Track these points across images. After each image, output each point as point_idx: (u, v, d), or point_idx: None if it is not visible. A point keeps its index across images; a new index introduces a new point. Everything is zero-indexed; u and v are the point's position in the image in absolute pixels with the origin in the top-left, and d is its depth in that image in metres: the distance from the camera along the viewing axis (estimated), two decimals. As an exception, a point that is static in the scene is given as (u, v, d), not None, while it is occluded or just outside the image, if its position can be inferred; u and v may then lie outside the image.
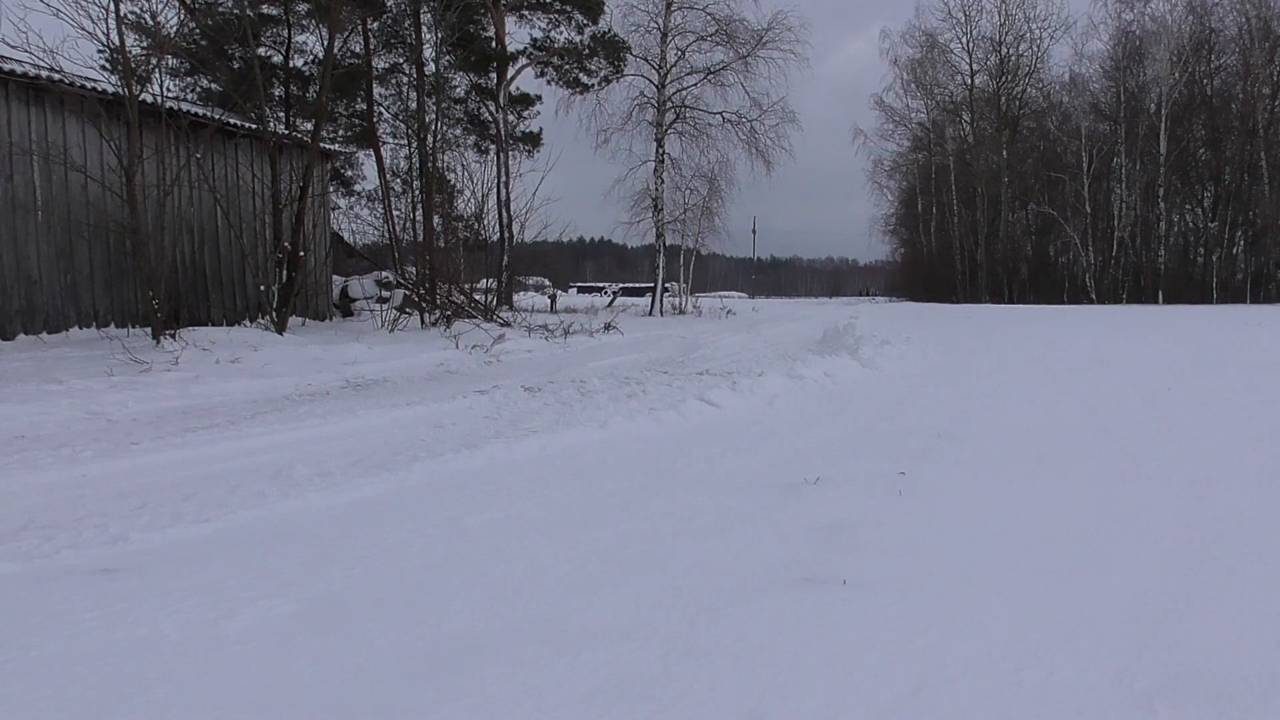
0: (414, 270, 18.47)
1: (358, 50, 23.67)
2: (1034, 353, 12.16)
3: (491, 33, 27.80)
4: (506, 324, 16.39)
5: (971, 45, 50.41)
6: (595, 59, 28.48)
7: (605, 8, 27.99)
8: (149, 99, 12.32)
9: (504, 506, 4.21)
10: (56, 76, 11.32)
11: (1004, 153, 48.11)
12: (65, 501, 4.30)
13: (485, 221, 19.94)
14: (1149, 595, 2.97)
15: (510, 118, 28.38)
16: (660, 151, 28.64)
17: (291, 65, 23.75)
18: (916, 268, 58.33)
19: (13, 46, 10.60)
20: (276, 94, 23.01)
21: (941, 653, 2.51)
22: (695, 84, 28.78)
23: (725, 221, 31.47)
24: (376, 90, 25.70)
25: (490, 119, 28.50)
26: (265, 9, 23.37)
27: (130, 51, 11.95)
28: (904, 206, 58.53)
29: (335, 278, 20.05)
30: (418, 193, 20.18)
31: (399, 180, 25.02)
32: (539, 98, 29.79)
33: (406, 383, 9.02)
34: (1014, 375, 9.46)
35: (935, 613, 2.80)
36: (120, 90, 11.59)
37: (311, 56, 24.55)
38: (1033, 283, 47.65)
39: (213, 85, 21.89)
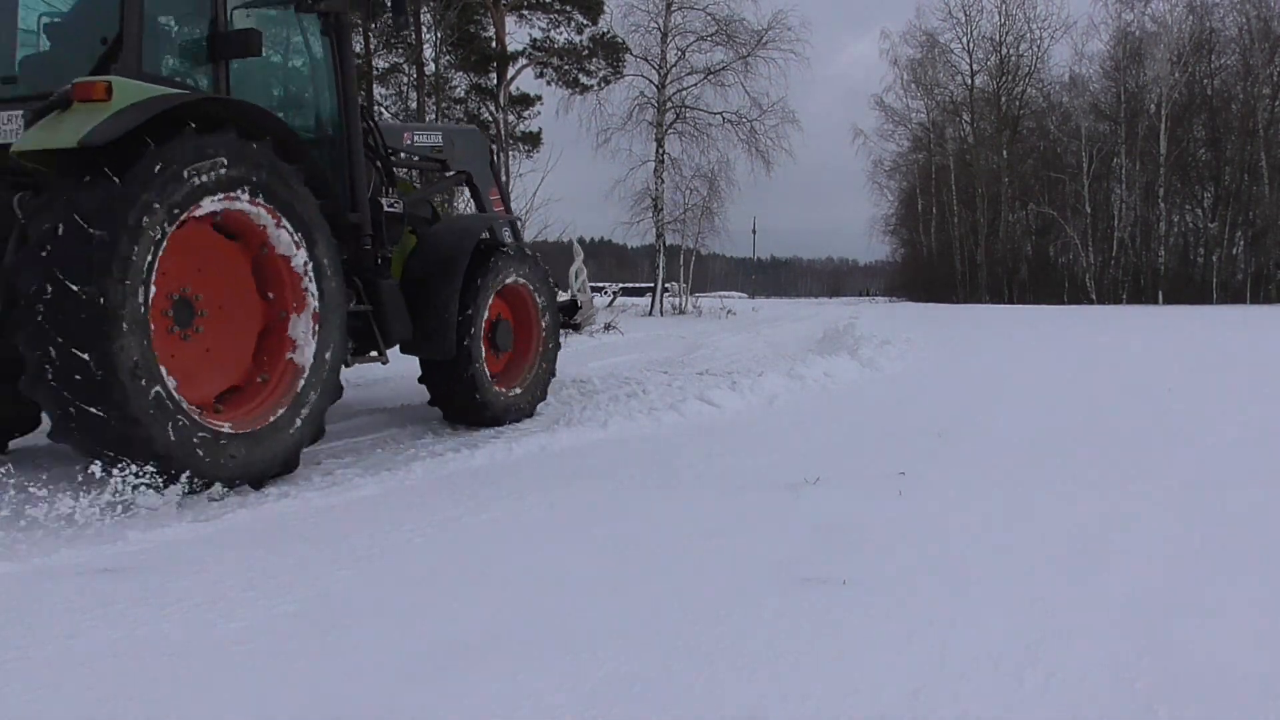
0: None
1: (358, 50, 23.68)
2: (1034, 353, 12.17)
3: (491, 33, 27.80)
4: (506, 324, 16.33)
5: (971, 45, 50.45)
6: (595, 59, 28.47)
7: (605, 8, 27.98)
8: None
9: (504, 506, 4.21)
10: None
11: (1004, 153, 48.11)
12: (65, 501, 4.29)
13: (485, 221, 19.91)
14: (1149, 595, 2.97)
15: (510, 118, 28.36)
16: (660, 151, 28.61)
17: (291, 65, 23.74)
18: (916, 268, 58.32)
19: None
20: (276, 94, 22.99)
21: (941, 653, 2.51)
22: (695, 84, 28.77)
23: (725, 221, 31.41)
24: (376, 90, 25.70)
25: (490, 119, 28.49)
26: (265, 9, 23.34)
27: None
28: (904, 207, 58.52)
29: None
30: (418, 193, 20.15)
31: (399, 180, 24.97)
32: (539, 98, 29.75)
33: (406, 382, 9.01)
34: (1014, 375, 9.47)
35: (935, 613, 2.80)
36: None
37: (311, 56, 24.53)
38: (1033, 283, 47.64)
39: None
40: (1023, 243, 49.84)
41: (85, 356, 3.84)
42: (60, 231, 3.88)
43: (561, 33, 28.64)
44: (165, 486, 4.07)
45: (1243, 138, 40.35)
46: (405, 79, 25.79)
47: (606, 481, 4.70)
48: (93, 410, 3.90)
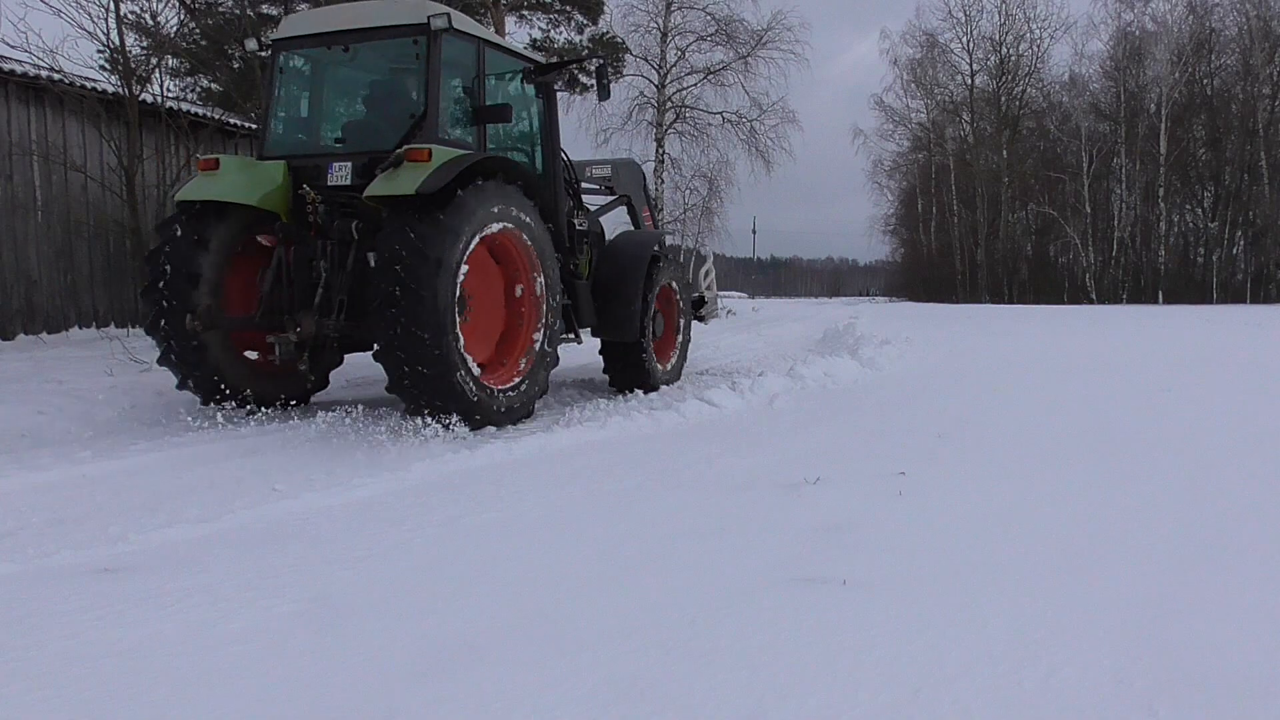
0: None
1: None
2: (1034, 353, 12.16)
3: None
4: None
5: (971, 45, 50.41)
6: (595, 59, 28.48)
7: (605, 8, 27.99)
8: (149, 99, 12.31)
9: (503, 506, 4.21)
10: (56, 76, 11.30)
11: (1004, 153, 48.09)
12: (65, 501, 4.30)
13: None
14: (1149, 595, 2.97)
15: (510, 118, 28.32)
16: (660, 151, 28.62)
17: (291, 65, 23.71)
18: (916, 268, 58.31)
19: (13, 46, 10.60)
20: (276, 94, 22.97)
21: (941, 653, 2.51)
22: (695, 84, 28.80)
23: (725, 221, 31.44)
24: (376, 90, 25.65)
25: (490, 119, 28.44)
26: (265, 9, 23.36)
27: (130, 51, 11.95)
28: (904, 206, 58.51)
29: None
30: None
31: (399, 180, 24.92)
32: (539, 98, 29.75)
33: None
34: (1014, 375, 9.47)
35: (935, 613, 2.80)
36: (120, 90, 11.59)
37: (311, 56, 24.51)
38: (1033, 283, 47.63)
39: (213, 85, 21.88)
40: (1023, 242, 49.82)
41: (424, 336, 5.62)
42: (405, 252, 5.62)
43: (561, 33, 28.63)
44: (462, 424, 5.93)
45: (1243, 138, 40.33)
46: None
47: (606, 481, 4.70)
48: (424, 371, 5.70)
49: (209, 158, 6.67)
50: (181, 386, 6.63)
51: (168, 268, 6.36)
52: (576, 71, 28.76)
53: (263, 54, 7.49)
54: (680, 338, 8.94)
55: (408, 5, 6.47)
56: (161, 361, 6.64)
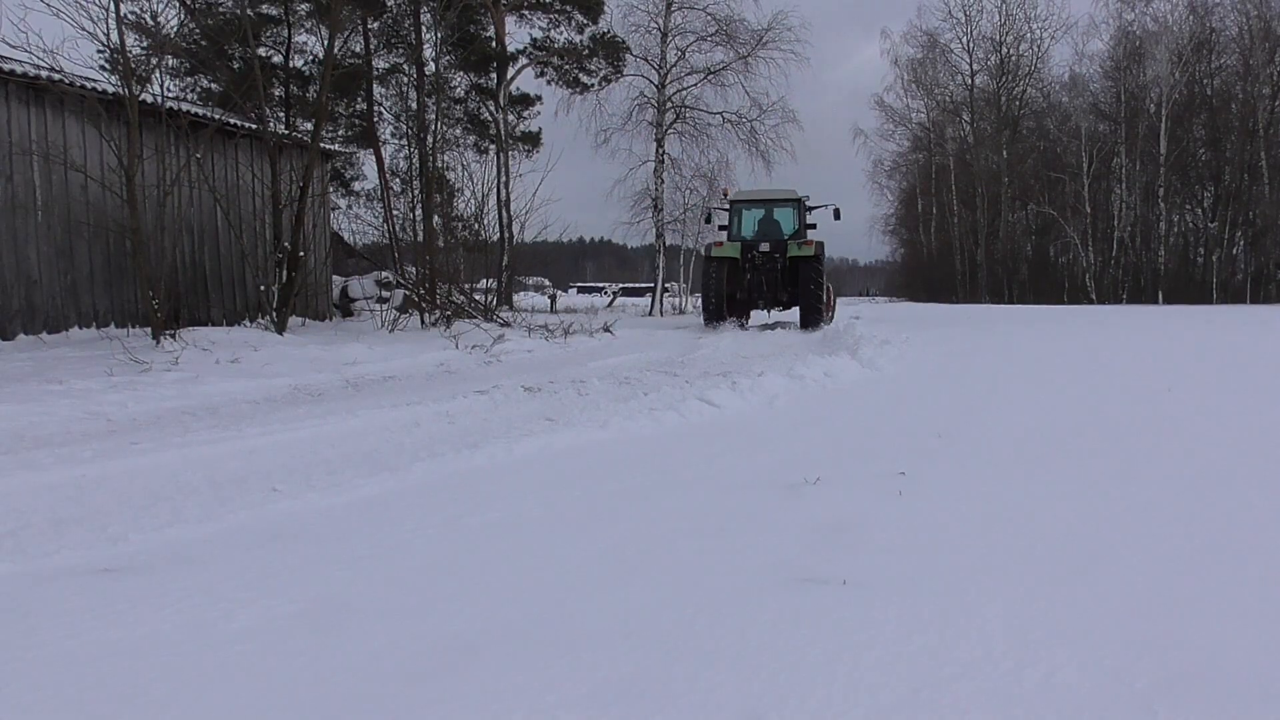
0: (414, 270, 18.48)
1: (358, 50, 23.66)
2: (1034, 353, 12.16)
3: (491, 33, 27.79)
4: (506, 324, 16.37)
5: (972, 45, 50.49)
6: (595, 59, 28.48)
7: (605, 8, 28.00)
8: (149, 99, 12.32)
9: (504, 506, 4.21)
10: (56, 76, 11.31)
11: (1004, 153, 48.12)
12: (65, 501, 4.30)
13: (485, 221, 19.94)
14: (1149, 595, 2.97)
15: (510, 118, 28.36)
16: (660, 151, 28.62)
17: (291, 65, 23.73)
18: (916, 268, 58.36)
19: (13, 46, 10.60)
20: (276, 94, 22.99)
21: (941, 653, 2.51)
22: (695, 84, 28.80)
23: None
24: (376, 90, 25.72)
25: (490, 119, 28.49)
26: (265, 9, 23.36)
27: (130, 51, 11.94)
28: (904, 206, 58.56)
29: (335, 278, 20.05)
30: (418, 193, 20.16)
31: (399, 180, 25.05)
32: (539, 98, 29.79)
33: (406, 383, 9.02)
34: (1014, 375, 9.47)
35: (935, 613, 2.80)
36: (120, 90, 11.59)
37: (311, 56, 24.54)
38: (1033, 283, 47.67)
39: (213, 85, 21.89)
40: (1023, 243, 49.85)
41: (820, 306, 17.60)
42: (813, 275, 17.52)
43: (561, 32, 28.66)
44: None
45: (1243, 138, 40.35)
46: (405, 79, 25.78)
47: (606, 481, 4.70)
48: (816, 317, 17.43)
49: (719, 241, 18.49)
50: (711, 320, 17.86)
51: (719, 282, 17.79)
52: (577, 71, 28.83)
53: (725, 208, 19.50)
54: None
55: (789, 189, 19.22)
56: (710, 316, 17.90)
